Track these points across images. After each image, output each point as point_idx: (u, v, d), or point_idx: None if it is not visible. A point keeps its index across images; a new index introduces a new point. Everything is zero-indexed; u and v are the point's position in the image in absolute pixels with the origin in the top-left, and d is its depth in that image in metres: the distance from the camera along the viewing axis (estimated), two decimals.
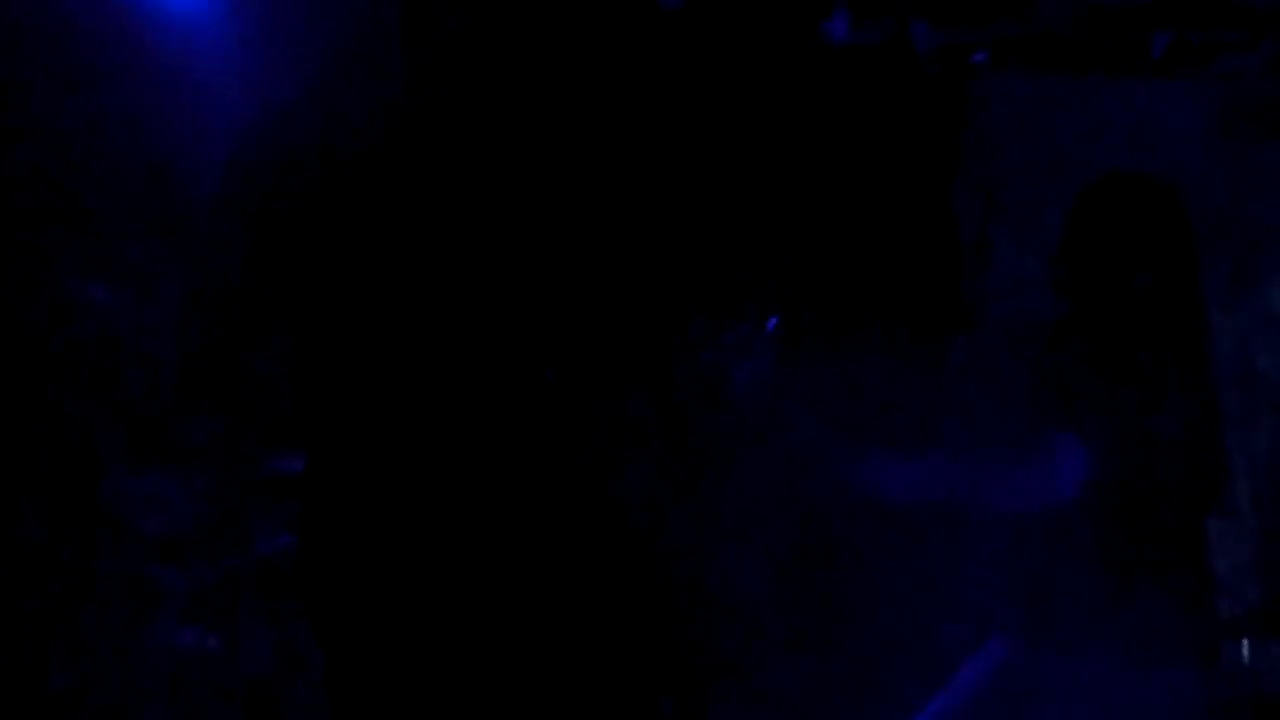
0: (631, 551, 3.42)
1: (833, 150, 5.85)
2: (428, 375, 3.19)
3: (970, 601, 4.42)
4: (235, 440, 5.31)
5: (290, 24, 5.15)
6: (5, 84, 5.31)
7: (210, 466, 5.41)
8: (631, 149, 4.95)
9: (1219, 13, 5.77)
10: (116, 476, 5.37)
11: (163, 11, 5.68)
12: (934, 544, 4.84)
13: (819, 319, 5.18)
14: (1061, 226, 4.07)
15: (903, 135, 5.97)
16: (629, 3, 5.34)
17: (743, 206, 5.48)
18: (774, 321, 3.98)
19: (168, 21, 5.69)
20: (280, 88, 3.29)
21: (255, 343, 3.25)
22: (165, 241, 5.27)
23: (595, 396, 3.54)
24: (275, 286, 3.20)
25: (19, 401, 5.25)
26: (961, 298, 5.95)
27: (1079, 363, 3.78)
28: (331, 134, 3.19)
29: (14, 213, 5.35)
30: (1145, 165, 5.39)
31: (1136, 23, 5.88)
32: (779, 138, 5.76)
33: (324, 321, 3.20)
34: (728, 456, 4.67)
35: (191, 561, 5.40)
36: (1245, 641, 5.41)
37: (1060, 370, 3.78)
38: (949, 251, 6.01)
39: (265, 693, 5.35)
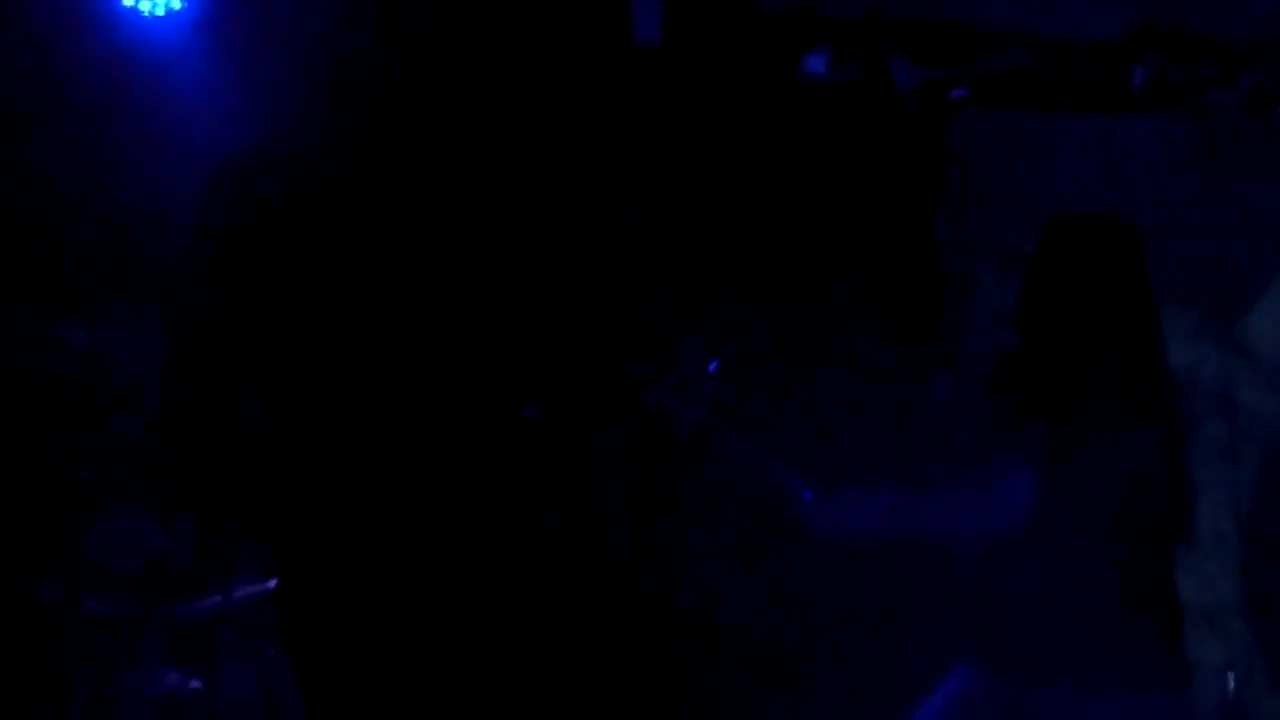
0: (607, 580, 3.42)
1: (809, 184, 5.86)
2: (409, 413, 3.19)
3: (934, 633, 4.41)
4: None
5: (263, 79, 5.18)
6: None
7: (192, 508, 5.42)
8: (597, 189, 4.97)
9: (1196, 48, 5.79)
10: (99, 517, 5.37)
11: (138, 65, 5.73)
12: (896, 576, 4.84)
13: (790, 354, 5.19)
14: (1030, 263, 4.09)
15: (883, 171, 5.98)
16: (601, 41, 5.36)
17: (706, 238, 5.49)
18: (715, 364, 3.98)
19: (143, 73, 5.73)
20: (251, 139, 3.28)
21: (235, 386, 3.24)
22: (149, 287, 5.28)
23: (570, 431, 3.55)
24: (255, 330, 3.19)
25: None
26: (943, 334, 5.96)
27: (1041, 395, 3.80)
28: (305, 184, 3.18)
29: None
30: (1126, 200, 5.42)
31: (1115, 58, 5.89)
32: (752, 172, 5.77)
33: (307, 366, 3.19)
34: (679, 494, 4.68)
35: (174, 602, 5.39)
36: (1230, 675, 5.40)
37: (1022, 401, 3.80)
38: (931, 287, 6.02)
39: None
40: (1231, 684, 5.38)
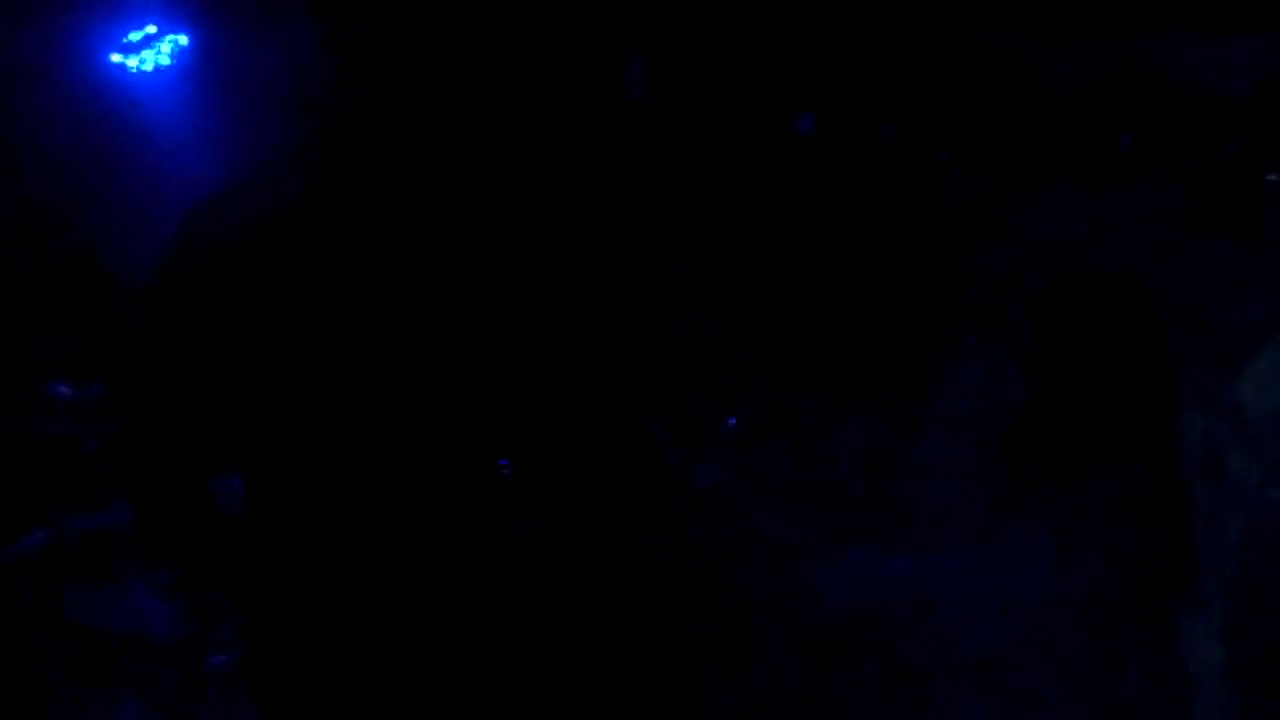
0: (605, 645, 3.39)
1: (798, 242, 5.88)
2: (390, 470, 3.14)
3: (940, 697, 4.39)
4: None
5: (249, 135, 5.18)
6: None
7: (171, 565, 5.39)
8: (597, 246, 4.98)
9: (1181, 113, 5.83)
10: (82, 574, 5.35)
11: (126, 122, 5.74)
12: (904, 642, 4.81)
13: (787, 414, 5.17)
14: (1026, 324, 4.09)
15: (869, 232, 6.00)
16: (596, 96, 5.39)
17: (701, 299, 5.49)
18: (733, 420, 3.98)
19: (131, 129, 5.74)
20: (212, 200, 3.24)
21: (202, 439, 3.20)
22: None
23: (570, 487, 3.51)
24: (223, 383, 3.14)
25: None
26: (928, 397, 5.96)
27: (1041, 457, 3.80)
28: (281, 241, 3.14)
29: None
30: (1114, 263, 5.43)
31: (1101, 123, 5.93)
32: (743, 229, 5.79)
33: (281, 418, 3.15)
34: (694, 554, 4.65)
35: (156, 661, 5.35)
36: None
37: (1023, 465, 3.80)
38: (917, 347, 6.03)
39: None
40: None
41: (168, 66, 5.84)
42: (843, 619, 4.39)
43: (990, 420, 4.44)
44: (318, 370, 3.08)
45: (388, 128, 3.17)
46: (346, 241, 3.12)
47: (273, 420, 3.11)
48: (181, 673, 5.40)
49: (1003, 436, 4.05)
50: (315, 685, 3.14)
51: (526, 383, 3.22)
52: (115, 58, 5.79)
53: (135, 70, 5.81)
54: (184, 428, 3.11)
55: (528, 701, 3.20)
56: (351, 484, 3.10)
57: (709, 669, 4.66)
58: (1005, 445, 3.99)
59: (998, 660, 3.89)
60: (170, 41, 5.81)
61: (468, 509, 3.18)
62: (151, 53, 5.79)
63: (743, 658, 4.74)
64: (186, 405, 3.10)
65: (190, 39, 5.80)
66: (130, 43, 5.78)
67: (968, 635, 3.97)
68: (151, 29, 5.77)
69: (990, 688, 3.91)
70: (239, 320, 3.08)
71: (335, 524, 3.11)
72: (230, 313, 3.08)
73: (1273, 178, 5.94)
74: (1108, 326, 3.99)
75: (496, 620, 3.19)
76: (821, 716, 4.87)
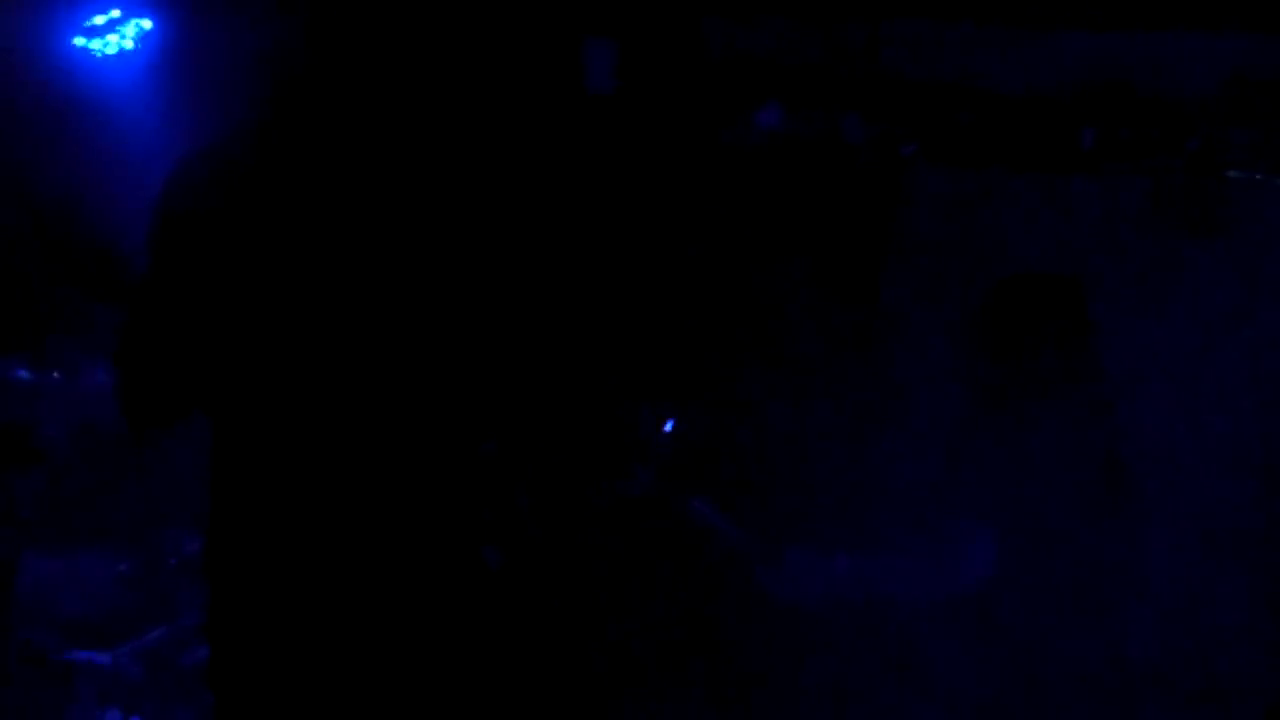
0: (549, 637, 3.39)
1: (759, 238, 5.88)
2: (360, 439, 3.14)
3: (888, 696, 4.39)
4: (158, 522, 5.30)
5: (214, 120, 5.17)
6: None
7: (133, 548, 5.40)
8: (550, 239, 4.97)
9: (1145, 110, 5.84)
10: (38, 557, 5.33)
11: (89, 106, 5.71)
12: (852, 641, 4.82)
13: (736, 414, 5.17)
14: (978, 320, 4.11)
15: (833, 226, 6.00)
16: (555, 87, 5.37)
17: (654, 298, 5.48)
18: (671, 423, 3.98)
19: (94, 115, 5.71)
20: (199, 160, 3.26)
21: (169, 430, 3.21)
22: (94, 326, 5.27)
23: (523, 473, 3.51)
24: (204, 351, 3.15)
25: None
26: (892, 391, 5.96)
27: (988, 451, 3.82)
28: (258, 237, 3.15)
29: None
30: (1075, 260, 5.45)
31: (1065, 118, 5.94)
32: (701, 223, 5.79)
33: (259, 383, 3.15)
34: (632, 553, 4.65)
35: (114, 642, 5.35)
36: None
37: (969, 458, 3.81)
38: (878, 343, 6.04)
39: None
40: None
41: (132, 51, 5.82)
42: (786, 617, 4.40)
43: (945, 416, 4.46)
44: (294, 339, 3.09)
45: (346, 109, 3.18)
46: (309, 216, 3.13)
47: (248, 384, 3.11)
48: (137, 661, 5.39)
49: (952, 431, 4.07)
50: (279, 676, 3.13)
51: (498, 365, 3.22)
52: (79, 41, 5.77)
53: (99, 54, 5.79)
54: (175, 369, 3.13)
55: (496, 695, 3.20)
56: (324, 459, 3.10)
57: (652, 669, 4.67)
58: (954, 439, 4.01)
59: (946, 659, 3.90)
60: (134, 25, 5.78)
61: (442, 495, 3.17)
62: (115, 37, 5.77)
63: (688, 657, 4.74)
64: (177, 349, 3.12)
65: (155, 23, 5.78)
66: (94, 26, 5.75)
67: (916, 633, 3.98)
68: (115, 13, 5.75)
69: (936, 683, 3.92)
70: (221, 274, 3.09)
71: (306, 503, 3.11)
72: (214, 264, 3.09)
73: (1235, 175, 5.96)
74: (1050, 325, 4.02)
75: (469, 611, 3.19)
76: (768, 714, 4.87)
